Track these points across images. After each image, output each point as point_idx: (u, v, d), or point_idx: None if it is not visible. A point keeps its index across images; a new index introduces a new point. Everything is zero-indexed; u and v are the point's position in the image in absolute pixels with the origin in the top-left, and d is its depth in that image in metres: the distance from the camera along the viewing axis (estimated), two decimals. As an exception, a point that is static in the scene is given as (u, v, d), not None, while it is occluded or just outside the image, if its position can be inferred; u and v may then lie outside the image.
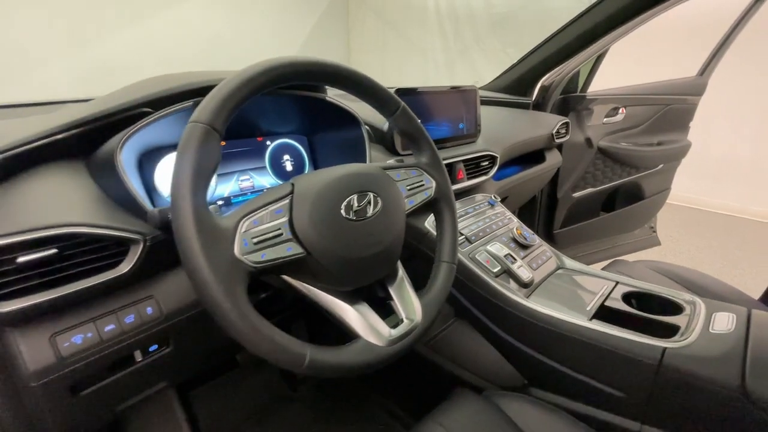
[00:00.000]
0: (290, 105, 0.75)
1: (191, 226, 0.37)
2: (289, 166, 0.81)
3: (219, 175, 0.71)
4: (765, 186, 2.91)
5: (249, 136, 0.76)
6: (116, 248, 0.48)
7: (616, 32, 1.17)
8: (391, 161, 0.62)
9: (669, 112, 1.70)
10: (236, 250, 0.40)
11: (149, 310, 0.52)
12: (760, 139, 2.92)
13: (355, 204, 0.48)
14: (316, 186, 0.47)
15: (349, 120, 0.77)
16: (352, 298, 0.50)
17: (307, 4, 4.02)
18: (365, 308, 0.49)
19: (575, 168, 1.61)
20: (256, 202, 0.44)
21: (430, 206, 0.61)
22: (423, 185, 0.59)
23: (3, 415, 0.50)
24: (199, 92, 0.57)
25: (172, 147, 0.65)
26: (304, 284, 0.48)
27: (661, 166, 1.78)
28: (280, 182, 0.79)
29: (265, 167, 0.78)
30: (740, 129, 2.95)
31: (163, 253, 0.52)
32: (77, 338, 0.46)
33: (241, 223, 0.41)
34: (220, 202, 0.72)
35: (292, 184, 0.48)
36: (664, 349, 0.59)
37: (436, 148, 0.62)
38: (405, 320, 0.52)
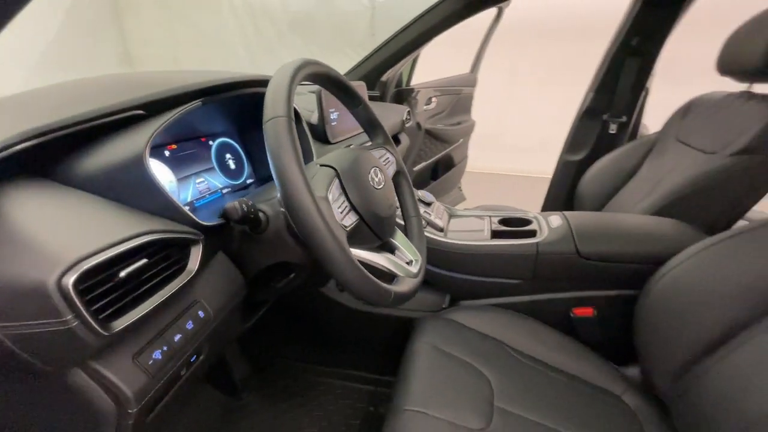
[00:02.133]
0: (220, 107, 0.76)
1: (309, 198, 0.44)
2: (232, 165, 0.82)
3: (179, 181, 0.68)
4: (503, 151, 4.18)
5: (193, 138, 0.74)
6: (177, 253, 0.46)
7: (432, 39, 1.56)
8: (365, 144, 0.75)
9: (460, 99, 2.30)
10: (337, 216, 0.49)
11: (201, 313, 0.52)
12: (500, 119, 4.16)
13: (374, 177, 0.61)
14: (350, 166, 0.58)
15: None
16: (378, 250, 0.63)
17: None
18: (390, 256, 0.64)
19: (413, 147, 2.00)
20: (323, 179, 0.52)
21: (395, 176, 0.78)
22: (389, 160, 0.75)
23: None
24: (201, 93, 0.56)
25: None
26: None
27: (461, 140, 2.40)
28: (230, 181, 0.80)
29: (214, 168, 0.77)
30: (487, 111, 4.13)
31: (201, 254, 0.52)
32: (156, 353, 0.44)
33: (329, 194, 0.50)
34: (186, 207, 0.68)
35: (332, 167, 0.56)
36: (537, 243, 0.95)
37: (387, 131, 0.78)
38: (413, 260, 0.68)
